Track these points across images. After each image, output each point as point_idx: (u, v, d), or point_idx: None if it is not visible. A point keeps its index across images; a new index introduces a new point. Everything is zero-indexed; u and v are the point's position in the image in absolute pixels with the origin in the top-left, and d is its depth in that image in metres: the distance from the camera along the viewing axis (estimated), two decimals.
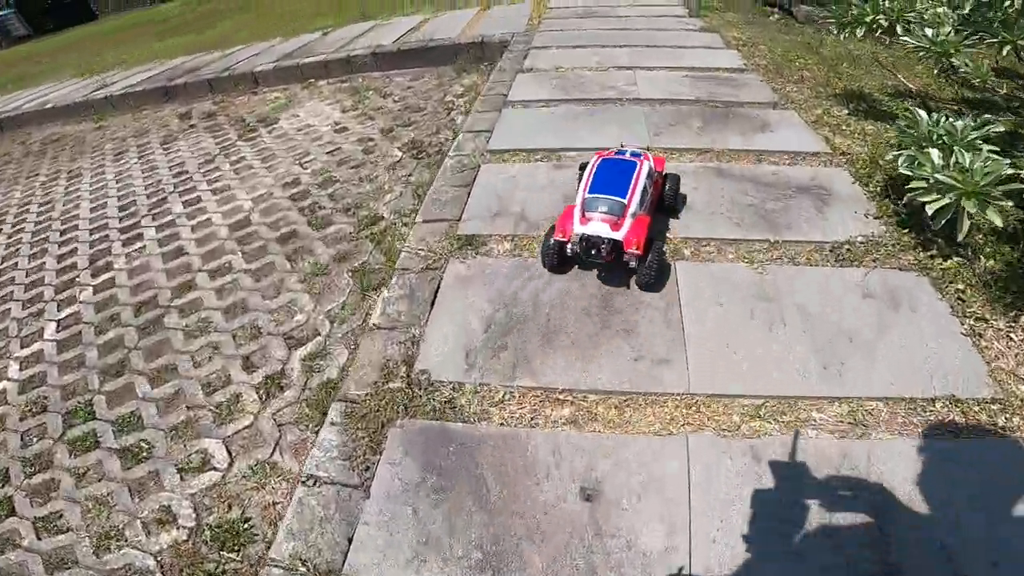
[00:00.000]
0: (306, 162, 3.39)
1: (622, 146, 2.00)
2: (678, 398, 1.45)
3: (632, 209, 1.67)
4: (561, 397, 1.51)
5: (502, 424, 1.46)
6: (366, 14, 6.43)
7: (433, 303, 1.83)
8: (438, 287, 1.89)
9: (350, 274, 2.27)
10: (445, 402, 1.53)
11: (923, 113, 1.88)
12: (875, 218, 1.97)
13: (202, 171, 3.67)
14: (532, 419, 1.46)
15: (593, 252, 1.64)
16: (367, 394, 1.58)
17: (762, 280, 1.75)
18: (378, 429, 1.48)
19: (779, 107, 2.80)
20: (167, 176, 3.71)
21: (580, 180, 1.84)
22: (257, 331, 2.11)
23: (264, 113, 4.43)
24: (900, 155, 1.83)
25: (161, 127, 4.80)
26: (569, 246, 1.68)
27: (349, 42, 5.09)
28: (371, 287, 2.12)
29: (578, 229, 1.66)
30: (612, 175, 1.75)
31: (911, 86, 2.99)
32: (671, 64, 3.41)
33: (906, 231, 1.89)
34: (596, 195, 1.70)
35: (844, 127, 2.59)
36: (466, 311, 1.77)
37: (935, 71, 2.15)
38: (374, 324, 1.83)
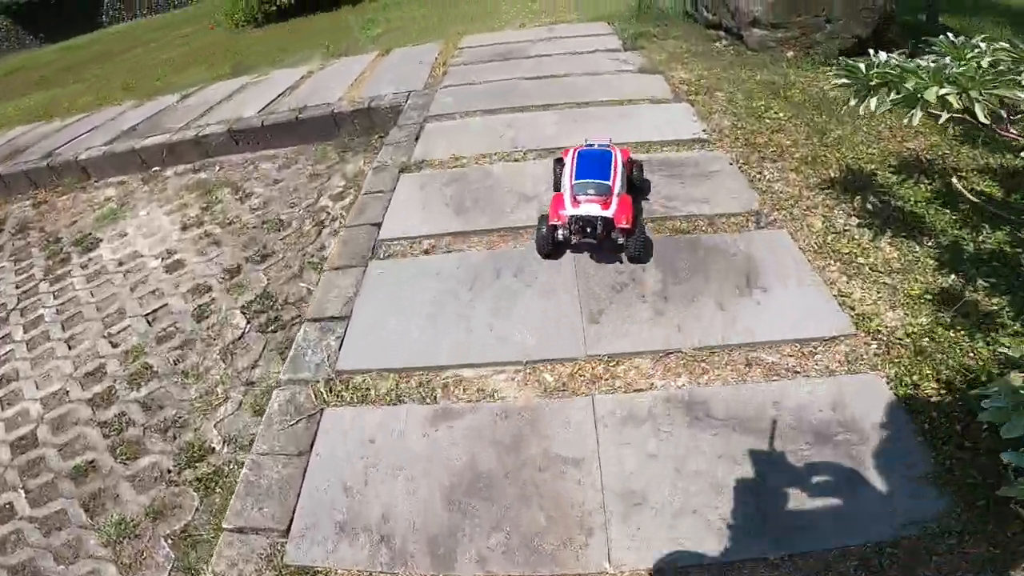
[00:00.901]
0: (118, 335, 2.30)
1: (586, 141, 2.06)
2: None
3: (617, 189, 1.78)
4: None
5: None
6: (244, 65, 5.20)
7: None
8: None
9: (169, 542, 1.46)
10: None
11: None
12: (933, 482, 1.17)
13: None
14: None
15: (588, 231, 1.71)
16: None
17: None
18: None
19: (764, 221, 1.91)
20: None
21: (559, 172, 1.98)
22: None
23: (86, 227, 3.24)
24: (992, 408, 0.98)
25: None
26: (561, 230, 1.74)
27: (207, 111, 3.89)
28: (198, 564, 1.37)
29: (571, 212, 1.72)
30: (593, 163, 1.86)
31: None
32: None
33: (978, 503, 1.11)
34: (583, 180, 1.79)
35: (859, 257, 1.73)
36: None
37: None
38: None
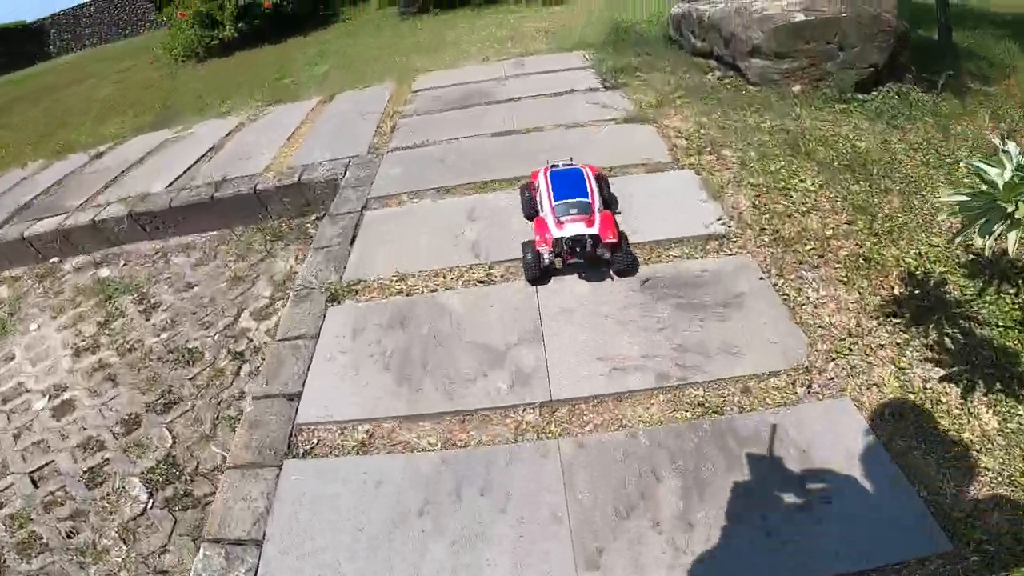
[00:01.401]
0: (1, 493, 1.81)
1: (549, 162, 1.99)
2: None
3: (597, 205, 1.73)
4: None
5: None
6: (171, 112, 4.46)
7: None
8: None
9: None
10: None
11: None
12: None
13: None
14: None
15: (578, 250, 1.64)
16: None
17: None
18: None
19: (818, 382, 1.33)
20: None
21: (529, 197, 1.95)
22: None
23: None
24: None
25: None
26: (547, 255, 1.65)
27: (113, 181, 3.18)
28: None
29: (557, 234, 1.64)
30: (567, 183, 1.78)
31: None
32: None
33: None
34: (563, 201, 1.71)
35: (951, 431, 1.19)
36: None
37: None
38: None
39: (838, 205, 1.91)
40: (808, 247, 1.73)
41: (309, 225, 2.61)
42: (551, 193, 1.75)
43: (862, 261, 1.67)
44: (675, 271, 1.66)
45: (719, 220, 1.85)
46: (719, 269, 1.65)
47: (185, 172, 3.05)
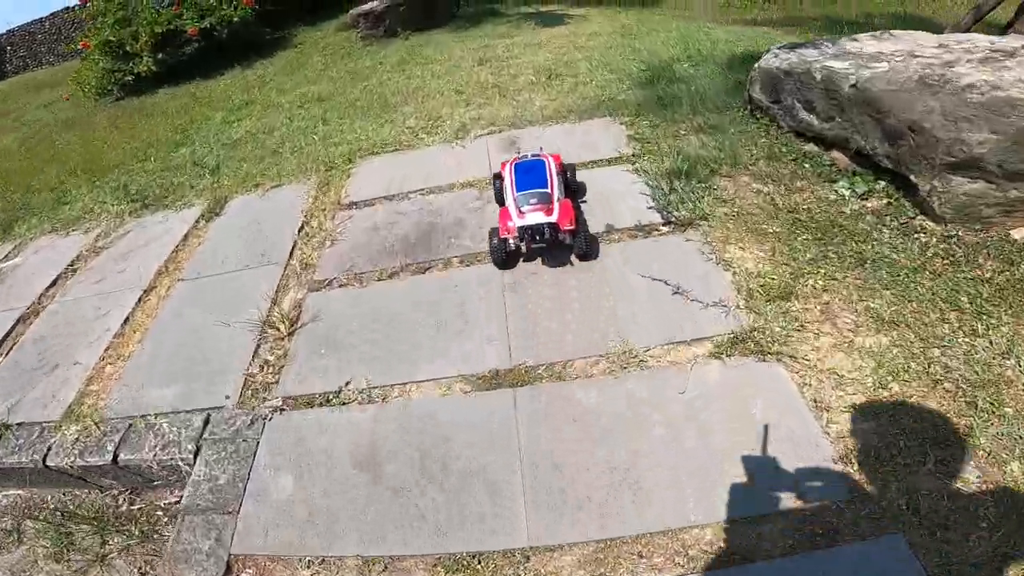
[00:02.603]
0: None
1: (519, 152, 2.04)
2: None
3: (556, 195, 1.74)
4: None
5: None
6: (25, 200, 3.13)
7: None
8: None
9: None
10: None
11: None
12: None
13: None
14: None
15: (538, 238, 1.67)
16: None
17: None
18: None
19: None
20: None
21: (498, 186, 1.95)
22: None
23: None
24: None
25: None
26: (511, 240, 1.70)
27: None
28: None
29: (519, 223, 1.68)
30: (529, 174, 1.81)
31: None
32: None
33: None
34: (524, 192, 1.74)
35: None
36: None
37: None
38: None
39: None
40: None
41: (161, 512, 1.37)
42: (514, 184, 1.76)
43: None
44: None
45: None
46: None
47: None
